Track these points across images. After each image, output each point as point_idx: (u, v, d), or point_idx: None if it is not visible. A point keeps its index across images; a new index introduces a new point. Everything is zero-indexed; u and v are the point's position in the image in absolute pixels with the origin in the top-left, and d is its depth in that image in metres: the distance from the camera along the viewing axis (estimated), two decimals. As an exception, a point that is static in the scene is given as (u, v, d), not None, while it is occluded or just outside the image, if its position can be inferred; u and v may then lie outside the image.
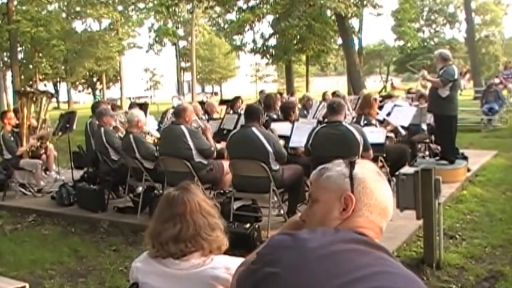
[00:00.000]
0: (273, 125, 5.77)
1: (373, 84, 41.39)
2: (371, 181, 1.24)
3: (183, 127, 4.97)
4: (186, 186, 1.78)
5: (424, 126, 7.25)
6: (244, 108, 9.48)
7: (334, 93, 9.77)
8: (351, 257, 1.06)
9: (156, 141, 6.13)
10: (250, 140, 4.51)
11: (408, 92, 10.10)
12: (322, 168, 1.31)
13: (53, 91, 32.94)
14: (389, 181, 5.68)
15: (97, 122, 6.33)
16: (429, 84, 6.94)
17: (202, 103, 9.16)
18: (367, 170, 1.26)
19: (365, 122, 5.85)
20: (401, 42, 43.49)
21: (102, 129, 6.02)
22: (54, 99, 30.65)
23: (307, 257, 1.06)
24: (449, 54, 6.50)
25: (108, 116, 6.30)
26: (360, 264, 1.04)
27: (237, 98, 9.84)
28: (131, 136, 5.40)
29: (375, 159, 4.83)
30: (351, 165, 1.26)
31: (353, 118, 6.29)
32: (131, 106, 8.81)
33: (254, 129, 4.54)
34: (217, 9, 25.07)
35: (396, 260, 1.13)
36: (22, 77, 31.84)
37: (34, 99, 7.16)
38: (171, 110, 8.93)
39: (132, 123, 5.54)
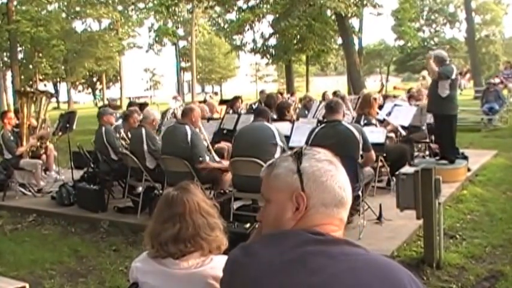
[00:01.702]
0: (273, 125, 5.77)
1: (373, 84, 41.31)
2: (322, 173, 1.12)
3: (187, 128, 4.95)
4: (185, 186, 1.77)
5: (424, 126, 7.24)
6: (244, 107, 9.54)
7: (334, 93, 9.78)
8: (305, 262, 1.01)
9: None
10: (261, 129, 4.66)
11: (408, 91, 10.12)
12: (270, 165, 1.20)
13: (53, 91, 32.94)
14: (389, 181, 5.74)
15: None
16: (429, 83, 6.90)
17: (204, 102, 9.17)
18: (317, 161, 1.14)
19: (365, 121, 5.84)
20: (402, 42, 43.48)
21: (103, 128, 6.03)
22: (54, 99, 30.70)
23: (258, 274, 1.03)
24: (445, 54, 6.32)
25: (107, 115, 6.32)
26: (314, 268, 0.99)
27: (236, 98, 9.85)
28: (143, 129, 5.45)
29: (375, 159, 4.83)
30: (298, 159, 1.15)
31: (353, 118, 6.28)
32: (130, 105, 8.84)
33: (265, 122, 4.76)
34: (217, 9, 25.09)
35: (359, 248, 1.06)
36: (22, 77, 31.85)
37: (34, 99, 7.17)
38: (171, 110, 8.96)
39: (147, 120, 5.60)
